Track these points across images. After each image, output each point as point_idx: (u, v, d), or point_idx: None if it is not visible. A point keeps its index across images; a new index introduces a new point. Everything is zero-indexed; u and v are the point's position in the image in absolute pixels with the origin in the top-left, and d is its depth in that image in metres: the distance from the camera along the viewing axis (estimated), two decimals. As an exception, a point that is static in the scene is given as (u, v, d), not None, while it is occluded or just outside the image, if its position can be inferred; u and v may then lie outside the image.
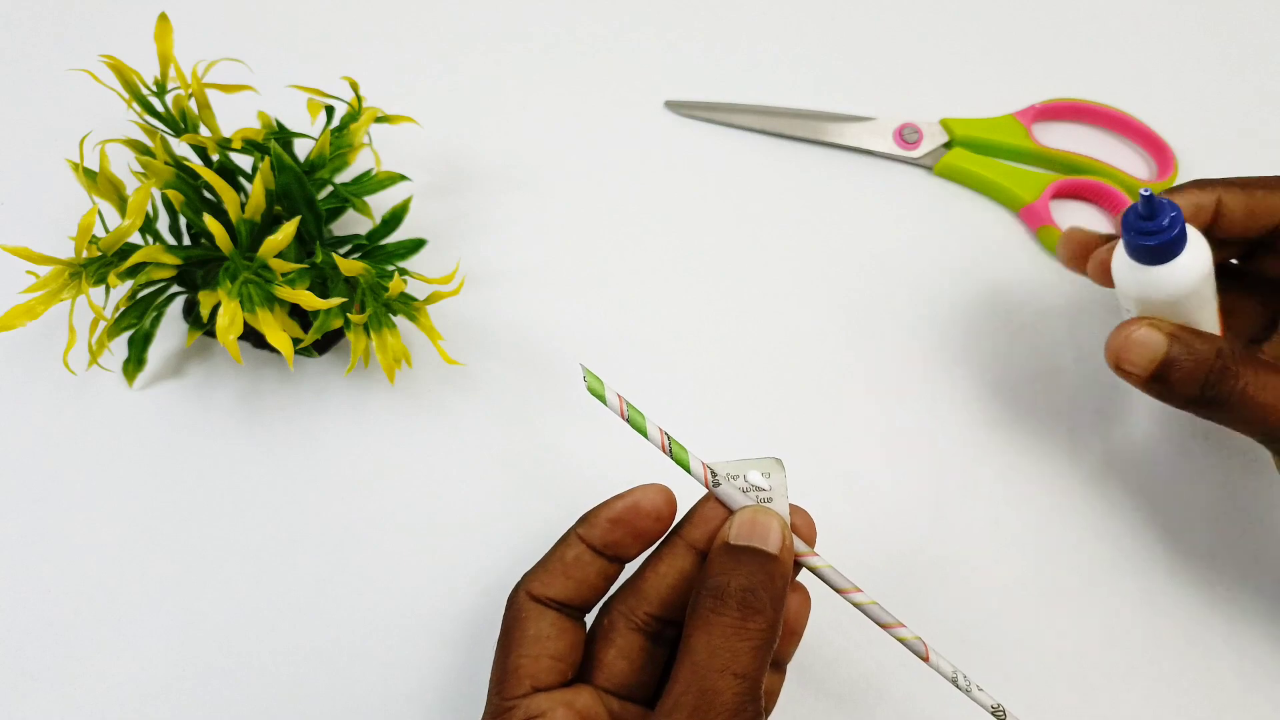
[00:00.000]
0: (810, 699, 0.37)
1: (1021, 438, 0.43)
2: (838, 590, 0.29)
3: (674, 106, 0.50)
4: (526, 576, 0.30)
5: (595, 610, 0.31)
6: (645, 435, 0.28)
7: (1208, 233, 0.33)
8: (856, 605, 0.29)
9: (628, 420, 0.28)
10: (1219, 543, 0.41)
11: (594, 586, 0.29)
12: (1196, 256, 0.31)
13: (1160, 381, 0.32)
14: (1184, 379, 0.31)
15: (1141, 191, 0.29)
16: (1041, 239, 0.48)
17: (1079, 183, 0.49)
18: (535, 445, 0.41)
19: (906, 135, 0.50)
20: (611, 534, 0.29)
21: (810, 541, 0.29)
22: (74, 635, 0.36)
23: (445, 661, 0.36)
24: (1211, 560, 0.40)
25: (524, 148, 0.48)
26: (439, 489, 0.40)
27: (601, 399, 0.27)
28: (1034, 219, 0.48)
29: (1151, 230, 0.30)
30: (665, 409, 0.40)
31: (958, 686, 0.29)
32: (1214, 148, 0.51)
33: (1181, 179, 0.50)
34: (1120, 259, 0.32)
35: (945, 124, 0.50)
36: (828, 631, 0.37)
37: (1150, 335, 0.31)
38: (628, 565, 0.30)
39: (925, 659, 0.29)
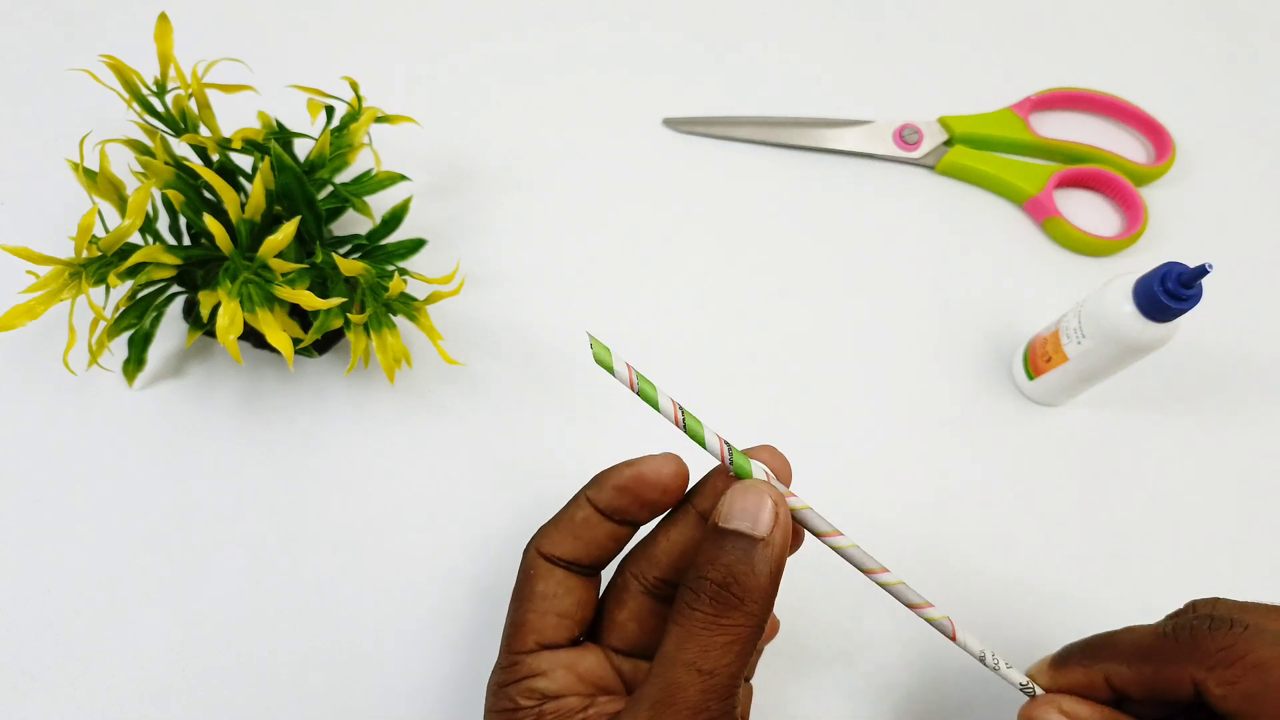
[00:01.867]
0: (812, 691, 0.37)
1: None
2: (818, 535, 0.27)
3: (673, 124, 0.50)
4: (539, 532, 0.29)
5: (613, 567, 0.30)
6: (657, 408, 0.26)
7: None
8: (838, 549, 0.27)
9: (638, 393, 0.25)
10: (1226, 531, 0.41)
11: (603, 547, 0.29)
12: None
13: None
14: None
15: (1206, 265, 0.33)
16: (1048, 230, 0.48)
17: (1081, 171, 0.49)
18: (535, 445, 0.41)
19: (906, 136, 0.50)
20: (618, 500, 0.28)
21: (785, 481, 0.28)
22: (74, 635, 0.36)
23: (445, 661, 0.36)
24: (1216, 554, 0.40)
25: (524, 149, 0.48)
26: (439, 489, 0.40)
27: (609, 369, 0.25)
28: (1039, 211, 0.48)
29: (1186, 296, 0.34)
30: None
31: (968, 649, 0.28)
32: (1209, 129, 0.51)
33: (1179, 162, 0.50)
34: (1129, 309, 0.36)
35: (944, 122, 0.50)
36: (831, 615, 0.37)
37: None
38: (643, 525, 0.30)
39: (915, 608, 0.28)
